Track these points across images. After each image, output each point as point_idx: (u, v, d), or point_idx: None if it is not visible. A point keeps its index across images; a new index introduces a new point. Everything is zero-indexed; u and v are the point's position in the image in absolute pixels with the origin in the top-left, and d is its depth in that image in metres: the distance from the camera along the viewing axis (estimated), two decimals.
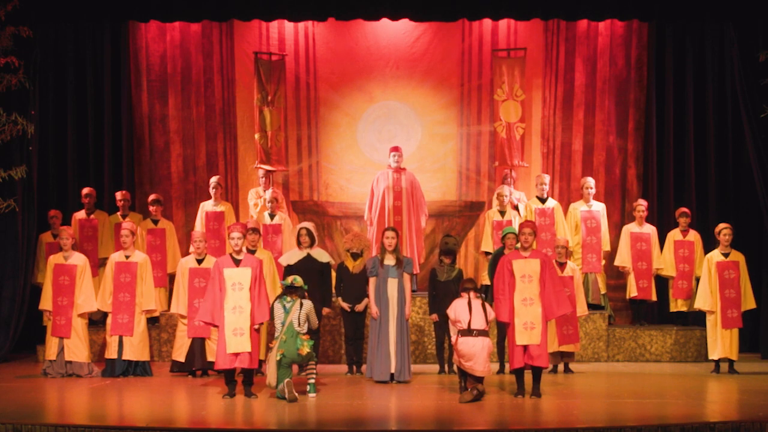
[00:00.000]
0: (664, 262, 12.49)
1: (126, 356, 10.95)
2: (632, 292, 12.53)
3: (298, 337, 9.40)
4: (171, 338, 11.62)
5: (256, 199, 13.03)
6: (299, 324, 9.48)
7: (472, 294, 9.47)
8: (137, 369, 11.01)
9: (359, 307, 11.09)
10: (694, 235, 12.50)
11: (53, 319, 11.03)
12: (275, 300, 9.72)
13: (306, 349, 9.38)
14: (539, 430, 8.03)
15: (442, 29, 13.93)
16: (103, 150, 13.44)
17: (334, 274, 11.45)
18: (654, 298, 12.60)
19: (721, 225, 11.35)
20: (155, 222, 12.81)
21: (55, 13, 12.63)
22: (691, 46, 13.32)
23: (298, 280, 9.62)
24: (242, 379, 9.63)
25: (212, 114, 14.00)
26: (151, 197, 12.87)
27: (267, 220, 12.44)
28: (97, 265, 12.56)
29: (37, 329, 12.27)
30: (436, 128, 14.15)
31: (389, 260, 10.58)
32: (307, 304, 9.60)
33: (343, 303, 11.14)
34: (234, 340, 9.42)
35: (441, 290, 10.86)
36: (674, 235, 12.55)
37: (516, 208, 13.02)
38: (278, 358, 9.29)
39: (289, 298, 9.54)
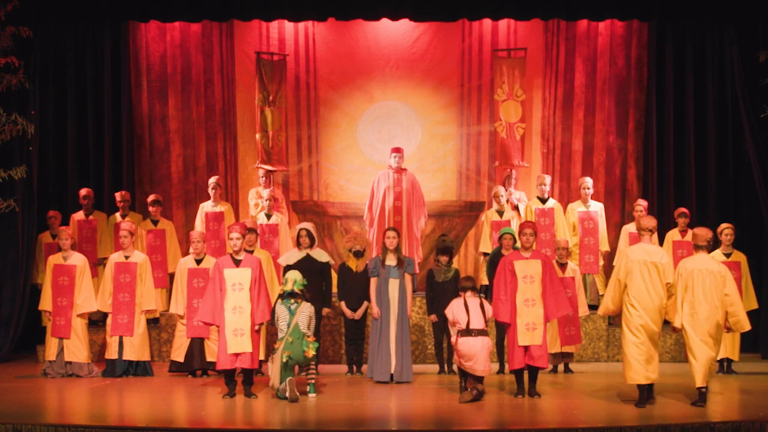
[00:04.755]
0: None
1: (126, 356, 10.95)
2: None
3: (304, 339, 9.39)
4: (171, 338, 11.62)
5: (257, 199, 13.02)
6: (306, 326, 9.47)
7: (469, 293, 9.47)
8: (138, 369, 11.01)
9: (359, 313, 11.09)
10: (692, 236, 12.47)
11: (53, 320, 11.03)
12: (276, 301, 9.70)
13: (312, 352, 9.38)
14: (539, 430, 8.03)
15: (442, 29, 13.94)
16: (103, 150, 13.44)
17: (333, 274, 11.45)
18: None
19: (723, 225, 11.34)
20: (155, 222, 12.81)
21: (55, 13, 12.64)
22: (691, 46, 13.32)
23: (298, 283, 9.59)
24: (242, 379, 9.63)
25: (212, 114, 14.01)
26: (151, 198, 12.87)
27: (263, 219, 12.42)
28: (96, 265, 12.56)
29: (37, 329, 12.27)
30: (436, 128, 14.16)
31: (391, 260, 10.58)
32: (311, 308, 9.59)
33: (346, 309, 11.13)
34: (234, 341, 9.41)
35: (438, 291, 10.86)
36: (673, 235, 12.53)
37: (516, 208, 13.02)
38: (284, 360, 9.28)
39: (293, 301, 9.53)
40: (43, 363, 11.18)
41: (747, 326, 9.19)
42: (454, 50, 14.08)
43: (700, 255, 9.12)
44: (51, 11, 12.59)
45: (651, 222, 9.20)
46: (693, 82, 13.32)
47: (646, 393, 8.89)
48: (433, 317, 10.97)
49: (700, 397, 8.88)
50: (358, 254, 11.22)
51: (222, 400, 9.34)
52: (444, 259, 11.01)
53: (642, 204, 12.61)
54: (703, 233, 9.17)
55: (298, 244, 11.09)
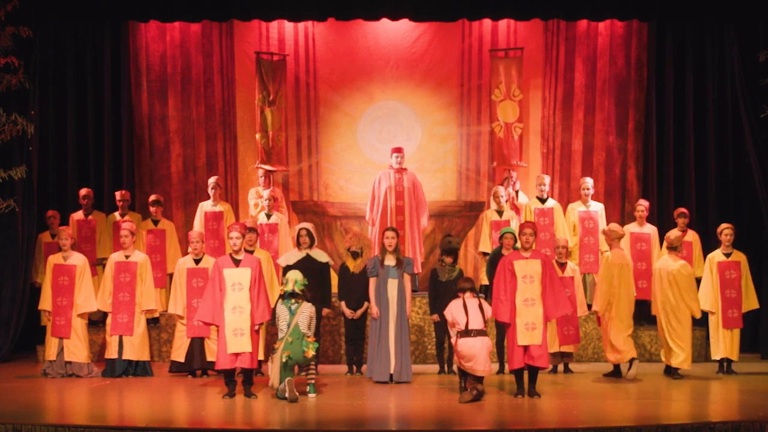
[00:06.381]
0: None
1: (126, 356, 10.95)
2: None
3: (304, 339, 9.39)
4: (171, 338, 11.61)
5: (257, 198, 13.02)
6: (306, 327, 9.47)
7: (467, 294, 9.46)
8: (138, 369, 11.01)
9: (358, 314, 11.10)
10: (692, 236, 12.48)
11: (53, 320, 11.03)
12: (277, 302, 9.71)
13: (312, 352, 9.38)
14: (539, 430, 8.03)
15: (442, 29, 13.94)
16: (103, 150, 13.44)
17: (333, 274, 11.45)
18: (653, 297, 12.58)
19: (723, 225, 11.36)
20: (155, 222, 12.81)
21: (55, 13, 12.64)
22: (691, 46, 13.33)
23: (299, 283, 9.58)
24: (242, 379, 9.63)
25: (212, 114, 14.01)
26: (152, 198, 12.87)
27: (263, 219, 12.42)
28: (95, 265, 12.56)
29: (37, 329, 12.26)
30: (436, 128, 14.17)
31: (389, 260, 10.58)
32: (312, 308, 9.59)
33: (346, 309, 11.14)
34: (234, 341, 9.41)
35: (442, 290, 10.85)
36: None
37: (517, 193, 13.08)
38: (284, 360, 9.28)
39: (293, 301, 9.53)
40: (43, 363, 11.18)
41: (697, 315, 10.87)
42: (454, 50, 14.09)
43: (670, 256, 10.90)
44: (51, 11, 12.58)
45: (620, 232, 11.13)
46: (693, 82, 13.32)
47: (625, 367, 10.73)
48: (436, 317, 10.97)
49: (667, 369, 10.81)
50: (355, 255, 11.23)
51: (222, 400, 9.34)
52: (449, 259, 11.03)
53: (643, 204, 12.62)
54: (675, 236, 11.30)
55: (298, 244, 11.09)
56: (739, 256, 11.28)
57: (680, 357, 10.63)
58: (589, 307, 11.56)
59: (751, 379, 10.72)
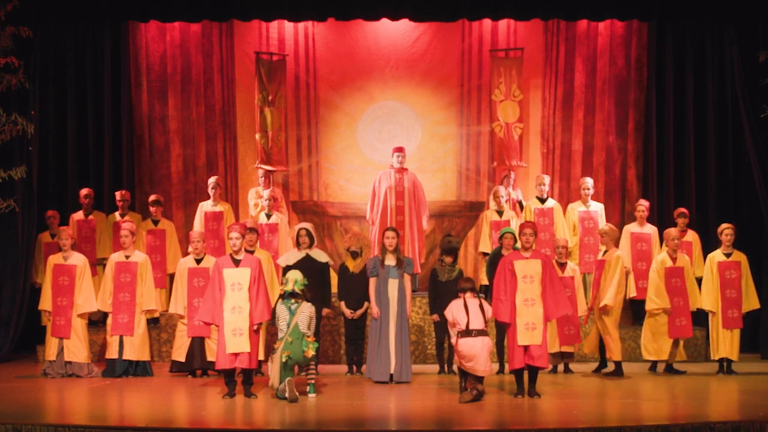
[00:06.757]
0: None
1: (126, 356, 10.95)
2: (631, 292, 12.48)
3: (303, 339, 9.39)
4: (171, 338, 11.62)
5: (257, 198, 13.02)
6: (306, 326, 9.47)
7: (468, 294, 9.47)
8: (138, 369, 11.01)
9: (358, 314, 11.10)
10: (692, 236, 12.49)
11: (53, 320, 11.03)
12: (277, 301, 9.71)
13: (311, 352, 9.38)
14: (539, 430, 8.03)
15: (442, 29, 13.95)
16: (103, 150, 13.44)
17: (333, 274, 11.45)
18: None
19: (724, 225, 11.37)
20: (155, 222, 12.81)
21: (55, 13, 12.64)
22: (691, 46, 13.33)
23: (299, 283, 9.58)
24: (242, 379, 9.63)
25: (212, 114, 14.01)
26: (152, 198, 12.87)
27: (263, 219, 12.42)
28: (95, 265, 12.56)
29: (37, 329, 12.27)
30: (436, 128, 14.17)
31: (390, 260, 10.58)
32: (311, 308, 9.59)
33: (346, 309, 11.14)
34: (233, 341, 9.42)
35: (442, 290, 10.86)
36: None
37: (519, 203, 13.06)
38: (284, 360, 9.28)
39: (293, 301, 9.53)
40: (43, 363, 11.18)
41: (647, 307, 11.19)
42: (454, 50, 14.09)
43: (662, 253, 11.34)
44: (51, 11, 12.58)
45: (618, 233, 11.59)
46: (693, 82, 13.33)
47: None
48: (435, 317, 10.97)
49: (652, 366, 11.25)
50: (355, 255, 11.24)
51: (222, 400, 9.34)
52: (449, 259, 11.03)
53: (644, 204, 12.62)
54: (666, 231, 11.51)
55: (298, 244, 11.09)
56: (739, 256, 11.28)
57: (652, 349, 11.14)
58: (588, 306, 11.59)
59: (751, 379, 10.73)
